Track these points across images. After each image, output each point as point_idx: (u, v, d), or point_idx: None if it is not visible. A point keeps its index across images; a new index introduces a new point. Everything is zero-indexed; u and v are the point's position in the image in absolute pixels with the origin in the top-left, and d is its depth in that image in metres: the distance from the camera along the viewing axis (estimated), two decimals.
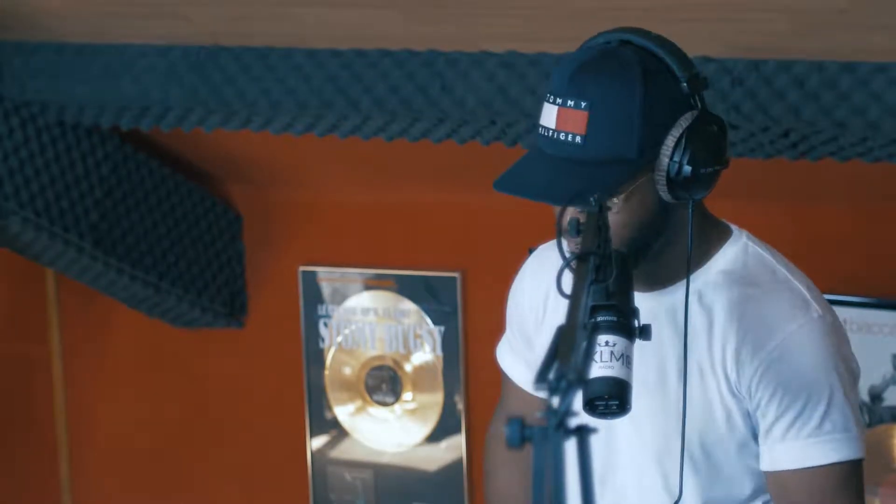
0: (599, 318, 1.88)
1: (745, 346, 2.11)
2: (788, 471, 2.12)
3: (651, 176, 2.03)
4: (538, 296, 2.31)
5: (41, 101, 3.67)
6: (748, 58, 2.89)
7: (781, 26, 2.82)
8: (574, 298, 1.74)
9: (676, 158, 2.01)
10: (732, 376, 2.12)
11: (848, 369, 2.12)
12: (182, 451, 4.43)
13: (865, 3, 2.71)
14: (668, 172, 2.02)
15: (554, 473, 1.43)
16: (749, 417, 2.13)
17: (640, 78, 2.01)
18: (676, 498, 2.15)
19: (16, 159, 3.65)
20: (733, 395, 2.12)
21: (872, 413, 3.43)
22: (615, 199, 2.02)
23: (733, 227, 2.19)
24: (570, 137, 2.00)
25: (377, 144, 3.42)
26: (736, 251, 2.15)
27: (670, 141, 2.01)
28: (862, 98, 2.82)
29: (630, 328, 1.90)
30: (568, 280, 1.86)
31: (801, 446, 2.10)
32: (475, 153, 3.30)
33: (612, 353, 1.88)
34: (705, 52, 2.89)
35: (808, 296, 2.13)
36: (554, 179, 2.02)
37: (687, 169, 2.01)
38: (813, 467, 2.10)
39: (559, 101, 2.01)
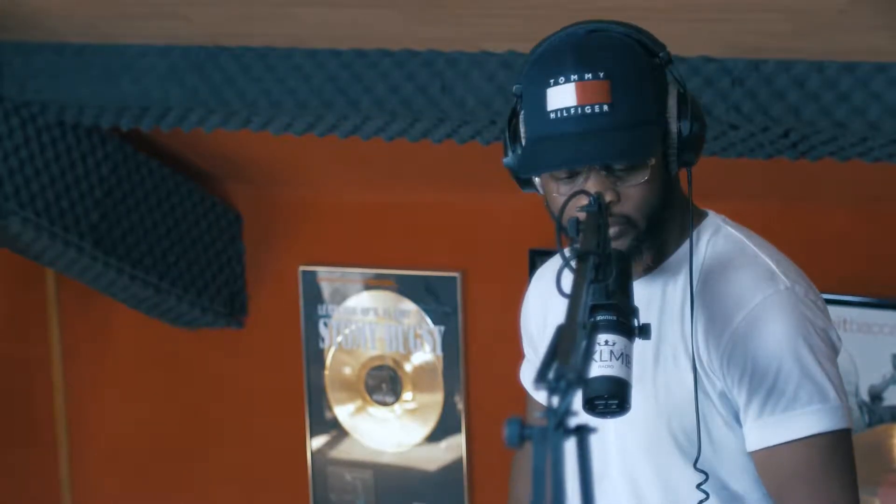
0: (599, 318, 1.88)
1: (712, 326, 2.10)
2: (769, 448, 2.08)
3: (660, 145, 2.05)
4: (540, 304, 2.32)
5: (41, 101, 3.67)
6: (748, 58, 2.89)
7: (781, 26, 2.81)
8: (574, 298, 1.74)
9: (685, 117, 2.05)
10: (704, 358, 2.10)
11: (824, 339, 2.09)
12: (182, 451, 4.43)
13: (865, 3, 2.70)
14: (679, 132, 2.05)
15: (554, 473, 1.43)
16: (727, 399, 2.11)
17: (634, 48, 2.05)
18: (671, 492, 2.14)
19: (16, 159, 3.65)
20: (707, 376, 2.10)
21: (872, 413, 3.42)
22: (652, 161, 2.03)
23: (709, 211, 2.20)
24: (596, 108, 2.01)
25: (377, 144, 3.42)
26: (708, 233, 2.16)
27: (672, 102, 2.05)
28: (862, 98, 2.82)
29: (630, 327, 1.90)
30: (568, 280, 1.86)
31: (777, 421, 2.06)
32: (475, 153, 3.30)
33: (611, 352, 1.88)
34: (705, 52, 2.90)
35: (775, 269, 2.11)
36: (596, 147, 2.01)
37: (696, 125, 2.05)
38: (792, 441, 2.06)
39: (574, 77, 2.01)
